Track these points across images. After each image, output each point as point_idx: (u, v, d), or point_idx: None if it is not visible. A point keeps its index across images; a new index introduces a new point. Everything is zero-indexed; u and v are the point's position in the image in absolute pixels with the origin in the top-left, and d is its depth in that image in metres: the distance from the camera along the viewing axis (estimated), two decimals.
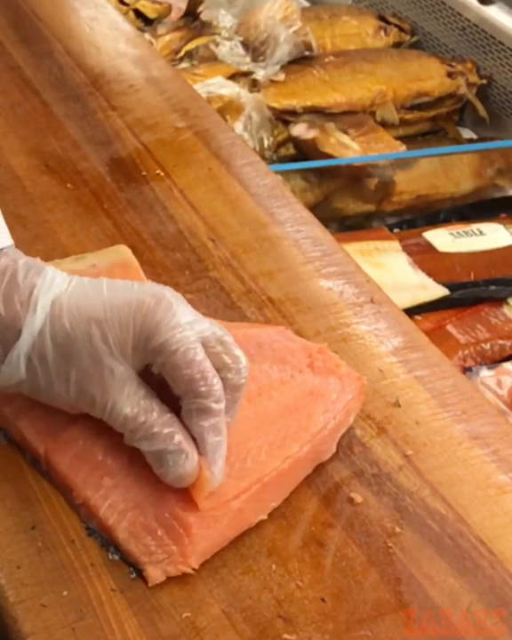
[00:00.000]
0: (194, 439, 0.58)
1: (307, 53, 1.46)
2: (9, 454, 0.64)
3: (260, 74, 1.42)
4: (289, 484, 0.64)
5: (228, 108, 1.32)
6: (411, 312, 1.00)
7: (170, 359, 0.57)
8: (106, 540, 0.60)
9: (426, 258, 1.14)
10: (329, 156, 1.30)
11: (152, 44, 1.42)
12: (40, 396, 0.61)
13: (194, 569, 0.58)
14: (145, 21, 1.54)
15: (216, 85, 1.35)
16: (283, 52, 1.43)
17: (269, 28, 1.46)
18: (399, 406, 0.71)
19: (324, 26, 1.55)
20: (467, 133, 1.52)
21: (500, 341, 1.06)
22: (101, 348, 0.57)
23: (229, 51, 1.46)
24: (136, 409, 0.58)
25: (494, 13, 1.48)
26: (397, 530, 0.63)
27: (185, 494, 0.60)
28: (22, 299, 0.58)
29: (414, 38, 1.60)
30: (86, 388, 0.58)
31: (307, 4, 1.68)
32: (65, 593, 0.57)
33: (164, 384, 0.59)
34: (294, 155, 1.37)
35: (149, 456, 0.59)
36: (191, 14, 1.56)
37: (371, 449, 0.68)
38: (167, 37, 1.50)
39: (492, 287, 1.11)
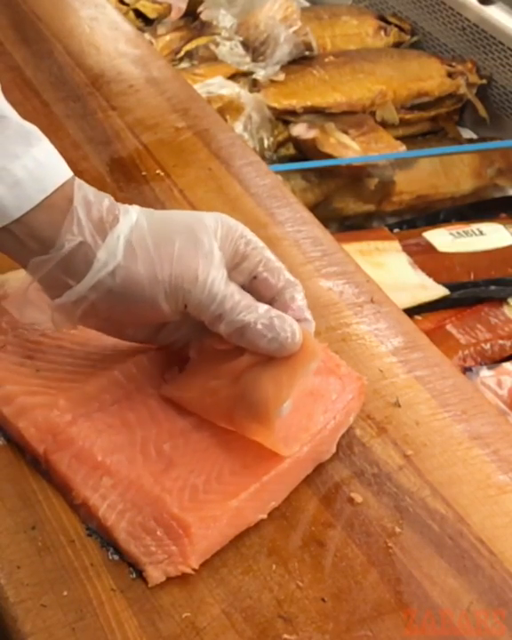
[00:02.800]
0: None
1: (307, 53, 1.46)
2: (9, 454, 0.64)
3: (260, 74, 1.42)
4: (289, 484, 0.64)
5: (228, 108, 1.32)
6: (411, 312, 1.00)
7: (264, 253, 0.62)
8: (105, 540, 0.60)
9: (426, 258, 1.14)
10: (329, 156, 1.30)
11: (152, 44, 1.42)
12: (123, 299, 0.60)
13: (194, 569, 0.58)
14: (145, 21, 1.54)
15: (216, 85, 1.35)
16: (283, 52, 1.43)
17: (269, 28, 1.46)
18: (399, 406, 0.71)
19: (324, 26, 1.55)
20: (467, 133, 1.52)
21: (500, 341, 1.06)
22: (202, 235, 0.60)
23: (229, 51, 1.46)
24: (233, 287, 0.60)
25: (494, 13, 1.48)
26: (397, 530, 0.63)
27: (184, 495, 0.60)
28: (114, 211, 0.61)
29: (414, 38, 1.60)
30: (189, 264, 0.59)
31: (307, 4, 1.69)
32: (65, 593, 0.57)
33: None
34: (294, 155, 1.37)
35: (252, 330, 0.59)
36: (191, 14, 1.56)
37: (371, 449, 0.68)
38: (167, 37, 1.50)
39: (492, 287, 1.11)
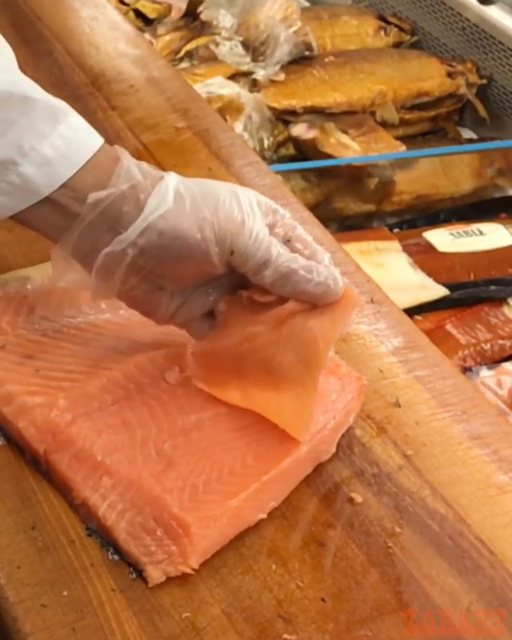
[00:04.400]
0: None
1: (307, 53, 1.46)
2: (9, 454, 0.64)
3: (260, 74, 1.42)
4: (288, 484, 0.64)
5: (228, 108, 1.32)
6: (411, 312, 1.00)
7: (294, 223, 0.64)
8: (105, 540, 0.60)
9: (426, 258, 1.14)
10: (329, 156, 1.30)
11: (152, 44, 1.42)
12: (172, 244, 0.61)
13: (194, 569, 0.58)
14: (145, 21, 1.54)
15: (216, 85, 1.35)
16: (283, 52, 1.43)
17: (269, 28, 1.46)
18: (399, 406, 0.71)
19: (324, 26, 1.55)
20: (467, 133, 1.52)
21: (500, 341, 1.06)
22: (242, 195, 0.62)
23: (229, 51, 1.46)
24: (275, 239, 0.62)
25: (494, 13, 1.48)
26: (397, 530, 0.63)
27: (184, 494, 0.60)
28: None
29: (414, 38, 1.60)
30: (234, 214, 0.61)
31: (307, 4, 1.68)
32: (65, 593, 0.57)
33: None
34: (294, 155, 1.37)
35: (298, 275, 0.61)
36: (191, 14, 1.56)
37: (371, 449, 0.68)
38: (167, 37, 1.50)
39: (492, 287, 1.11)
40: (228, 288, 0.65)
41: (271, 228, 0.62)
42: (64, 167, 0.60)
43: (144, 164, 0.63)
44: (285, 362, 0.62)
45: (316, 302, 0.62)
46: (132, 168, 0.62)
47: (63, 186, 0.60)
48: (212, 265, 0.62)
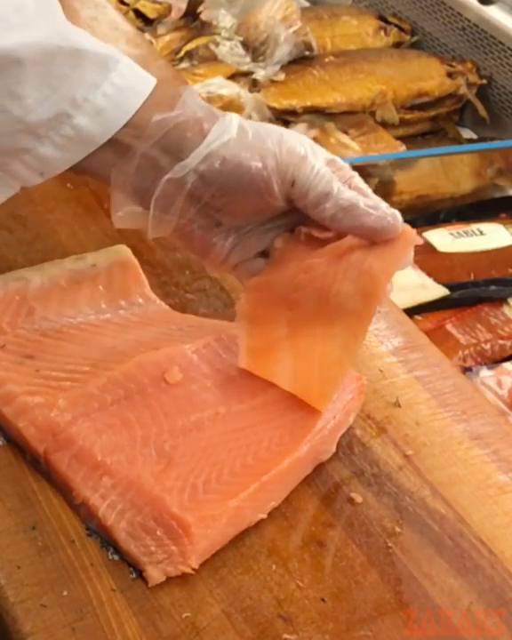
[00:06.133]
0: None
1: (307, 53, 1.46)
2: (9, 454, 0.64)
3: (260, 74, 1.42)
4: (288, 484, 0.64)
5: (228, 108, 1.32)
6: (411, 312, 1.00)
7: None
8: (105, 540, 0.60)
9: (426, 258, 1.14)
10: None
11: (152, 43, 1.42)
12: (233, 174, 0.61)
13: (194, 569, 0.58)
14: (145, 21, 1.54)
15: (216, 85, 1.35)
16: (283, 52, 1.43)
17: (269, 28, 1.46)
18: (399, 406, 0.71)
19: (324, 26, 1.55)
20: (467, 133, 1.52)
21: (500, 341, 1.06)
22: (302, 136, 0.63)
23: (229, 51, 1.46)
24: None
25: (494, 13, 1.48)
26: (397, 530, 0.63)
27: (184, 494, 0.60)
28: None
29: (414, 38, 1.60)
30: (296, 148, 0.61)
31: (307, 4, 1.68)
32: (65, 593, 0.57)
33: None
34: None
35: (359, 208, 0.61)
36: (191, 14, 1.56)
37: (371, 449, 0.68)
38: (167, 37, 1.50)
39: (492, 287, 1.11)
40: (284, 228, 0.65)
41: None
42: (118, 115, 0.60)
43: (207, 104, 0.63)
44: (343, 291, 0.62)
45: (375, 238, 0.62)
46: (195, 102, 0.62)
47: (126, 126, 0.61)
48: (272, 196, 0.62)
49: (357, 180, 0.63)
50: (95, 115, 0.60)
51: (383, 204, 0.62)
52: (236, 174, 0.61)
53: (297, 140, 0.62)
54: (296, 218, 0.64)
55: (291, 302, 0.64)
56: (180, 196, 0.62)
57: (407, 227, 0.63)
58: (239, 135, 0.61)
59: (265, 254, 0.66)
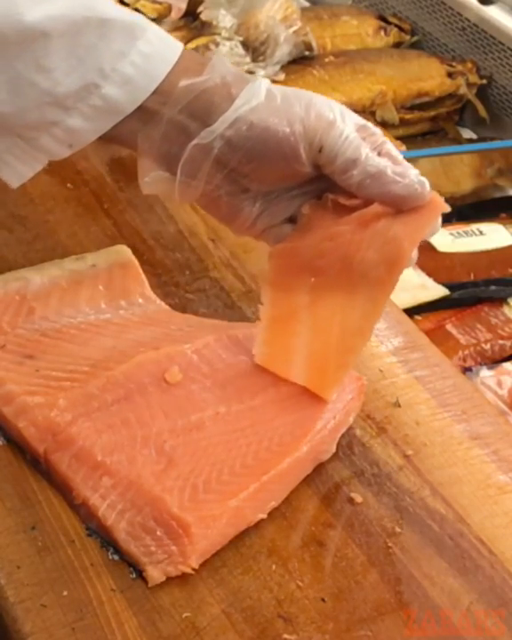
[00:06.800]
0: None
1: (307, 53, 1.45)
2: (9, 454, 0.64)
3: (260, 74, 1.41)
4: (288, 484, 0.64)
5: None
6: (411, 312, 1.00)
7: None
8: (105, 540, 0.60)
9: (426, 258, 1.14)
10: None
11: None
12: (261, 139, 0.61)
13: (194, 569, 0.58)
14: None
15: None
16: (283, 52, 1.43)
17: (269, 28, 1.45)
18: (399, 406, 0.71)
19: (323, 26, 1.55)
20: (467, 133, 1.52)
21: (500, 341, 1.06)
22: (332, 101, 0.62)
23: (229, 51, 1.46)
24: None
25: (494, 13, 1.47)
26: (397, 530, 0.63)
27: (184, 494, 0.60)
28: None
29: (414, 38, 1.60)
30: (325, 113, 0.61)
31: (307, 4, 1.68)
32: (65, 593, 0.57)
33: None
34: None
35: (386, 175, 0.60)
36: (191, 14, 1.56)
37: (371, 449, 0.68)
38: None
39: (492, 287, 1.11)
40: (311, 195, 0.65)
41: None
42: (146, 83, 0.60)
43: (237, 69, 0.63)
44: (366, 259, 0.62)
45: (402, 206, 0.62)
46: (225, 67, 0.62)
47: (155, 93, 0.61)
48: (299, 162, 0.61)
49: (389, 146, 0.63)
50: (123, 84, 0.60)
51: (412, 172, 0.61)
52: (262, 140, 0.61)
53: (326, 105, 0.61)
54: (324, 184, 0.64)
55: (315, 270, 0.64)
56: (206, 161, 0.62)
57: (435, 194, 0.62)
58: (267, 100, 0.61)
59: (292, 220, 0.66)
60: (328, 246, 0.63)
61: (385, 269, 0.62)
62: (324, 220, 0.64)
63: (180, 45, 0.63)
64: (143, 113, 0.61)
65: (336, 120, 0.61)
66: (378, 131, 0.63)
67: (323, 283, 0.64)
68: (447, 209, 0.62)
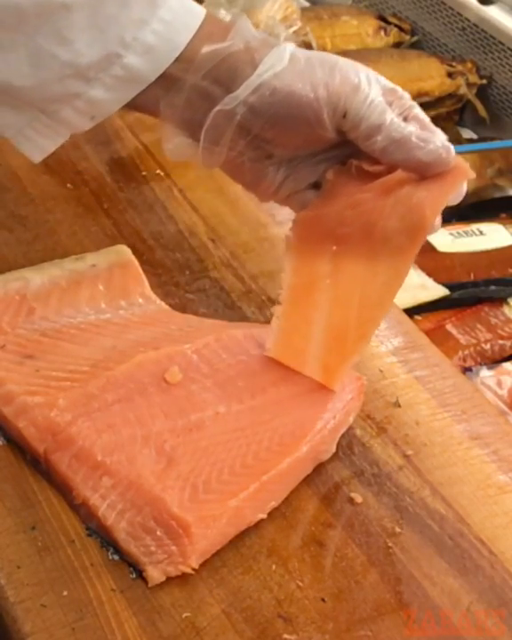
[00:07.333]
0: None
1: None
2: (9, 454, 0.64)
3: None
4: (288, 484, 0.64)
5: None
6: (411, 312, 1.00)
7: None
8: (105, 540, 0.60)
9: (426, 258, 1.14)
10: None
11: None
12: (284, 105, 0.60)
13: (194, 569, 0.58)
14: None
15: None
16: None
17: (269, 28, 1.45)
18: (399, 406, 0.71)
19: (323, 26, 1.55)
20: (467, 133, 1.52)
21: (500, 341, 1.06)
22: (359, 66, 0.61)
23: None
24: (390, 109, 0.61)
25: (494, 13, 1.47)
26: (397, 530, 0.63)
27: (184, 494, 0.60)
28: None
29: (414, 38, 1.60)
30: (350, 78, 0.60)
31: (307, 4, 1.68)
32: (65, 593, 0.57)
33: None
34: None
35: (411, 141, 0.60)
36: None
37: (371, 449, 0.68)
38: None
39: (492, 287, 1.11)
40: (336, 160, 0.64)
41: (388, 104, 0.61)
42: (168, 50, 0.60)
43: (262, 33, 0.62)
44: (389, 227, 0.61)
45: (426, 172, 0.61)
46: (249, 31, 0.61)
47: (177, 60, 0.60)
48: (322, 127, 0.61)
49: (417, 110, 0.62)
50: (145, 53, 0.59)
51: (438, 137, 0.60)
52: (285, 105, 0.60)
53: (352, 69, 0.60)
54: (349, 149, 0.63)
55: (337, 238, 0.64)
56: (229, 127, 0.61)
57: (460, 160, 0.61)
58: (291, 64, 0.60)
59: (317, 186, 0.65)
60: (350, 214, 0.63)
61: (407, 237, 0.61)
62: (347, 187, 0.63)
63: (202, 11, 0.62)
64: (165, 80, 0.61)
65: (361, 84, 0.60)
66: (406, 94, 0.62)
67: (345, 251, 0.63)
68: (472, 175, 0.61)
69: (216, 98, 0.61)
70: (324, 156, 0.64)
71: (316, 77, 0.60)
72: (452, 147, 0.61)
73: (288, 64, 0.60)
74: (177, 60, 0.60)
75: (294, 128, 0.61)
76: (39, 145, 0.63)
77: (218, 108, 0.61)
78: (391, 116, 0.60)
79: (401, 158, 0.60)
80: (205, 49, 0.60)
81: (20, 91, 0.59)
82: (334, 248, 0.64)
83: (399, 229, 0.61)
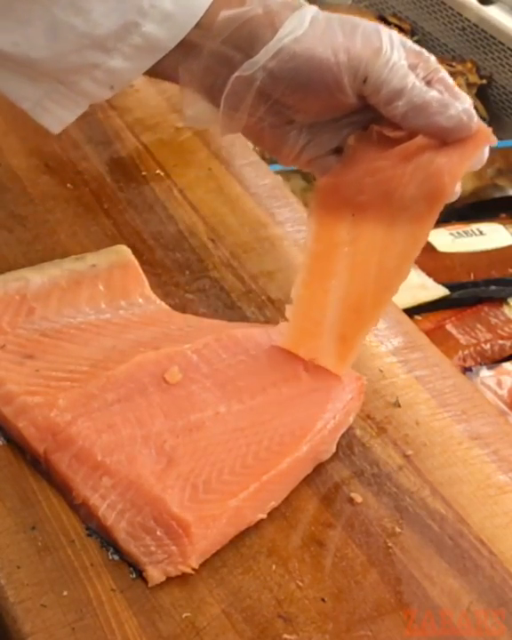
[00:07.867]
0: None
1: None
2: (9, 454, 0.64)
3: None
4: (288, 484, 0.64)
5: None
6: (411, 312, 1.00)
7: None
8: (105, 540, 0.60)
9: (426, 258, 1.14)
10: None
11: None
12: (304, 69, 0.59)
13: (194, 569, 0.58)
14: None
15: None
16: None
17: None
18: (399, 406, 0.71)
19: None
20: None
21: (500, 341, 1.06)
22: (382, 29, 0.60)
23: None
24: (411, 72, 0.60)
25: (494, 13, 1.47)
26: (397, 530, 0.63)
27: (184, 494, 0.60)
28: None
29: (414, 38, 1.60)
30: (372, 41, 0.59)
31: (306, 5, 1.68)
32: (65, 593, 0.57)
33: None
34: None
35: (432, 106, 0.58)
36: None
37: (371, 449, 0.68)
38: None
39: (492, 287, 1.11)
40: (358, 125, 0.63)
41: (412, 68, 0.60)
42: (186, 17, 0.59)
43: None
44: (407, 195, 0.61)
45: (447, 137, 0.60)
46: None
47: (197, 27, 0.59)
48: (343, 92, 0.60)
49: (442, 74, 0.60)
50: (163, 20, 0.58)
51: (461, 102, 0.59)
52: (305, 70, 0.59)
53: (374, 32, 0.59)
54: (372, 114, 0.62)
55: (356, 206, 0.63)
56: (249, 93, 0.60)
57: (482, 125, 0.60)
58: (312, 28, 0.59)
59: (339, 151, 0.64)
60: (369, 182, 0.62)
61: (425, 204, 0.61)
62: (368, 153, 0.63)
63: None
64: (184, 47, 0.60)
65: (383, 47, 0.58)
66: (432, 57, 0.61)
67: (364, 218, 0.63)
68: (494, 141, 0.60)
69: (236, 63, 0.60)
70: (346, 120, 0.63)
71: (336, 41, 0.59)
72: (474, 112, 0.59)
73: (308, 27, 0.59)
74: (196, 26, 0.59)
75: (315, 93, 0.60)
76: (58, 116, 0.63)
77: (237, 73, 0.60)
78: (413, 81, 0.59)
79: (422, 124, 0.59)
80: (224, 14, 0.59)
81: (37, 62, 0.59)
82: (353, 216, 0.63)
83: (418, 196, 0.60)
